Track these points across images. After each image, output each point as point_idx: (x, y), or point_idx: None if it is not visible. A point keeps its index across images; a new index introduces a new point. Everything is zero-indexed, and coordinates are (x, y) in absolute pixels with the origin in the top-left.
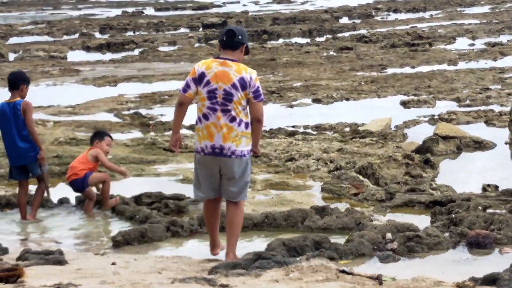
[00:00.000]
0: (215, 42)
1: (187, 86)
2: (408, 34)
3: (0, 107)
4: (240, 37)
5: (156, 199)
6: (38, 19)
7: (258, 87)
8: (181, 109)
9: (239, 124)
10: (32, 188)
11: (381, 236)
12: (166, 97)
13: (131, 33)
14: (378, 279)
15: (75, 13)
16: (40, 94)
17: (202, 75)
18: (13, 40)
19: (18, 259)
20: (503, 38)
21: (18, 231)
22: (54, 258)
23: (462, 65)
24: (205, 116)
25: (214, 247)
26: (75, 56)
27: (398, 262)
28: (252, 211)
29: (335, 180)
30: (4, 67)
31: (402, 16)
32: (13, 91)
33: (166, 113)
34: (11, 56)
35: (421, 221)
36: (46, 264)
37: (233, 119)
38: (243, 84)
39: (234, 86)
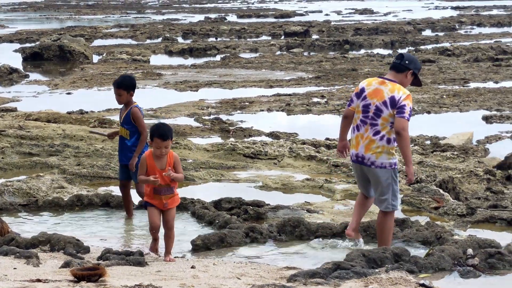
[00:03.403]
0: (296, 50)
1: (351, 100)
2: (492, 49)
3: None
4: (407, 61)
5: (236, 205)
6: (122, 22)
7: (405, 105)
8: (345, 121)
9: (381, 139)
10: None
11: (462, 251)
12: (247, 103)
13: (213, 39)
14: None
15: (159, 17)
16: None
17: (362, 90)
18: (97, 42)
19: (99, 258)
20: None
21: (99, 231)
22: (135, 259)
23: None
24: (357, 127)
25: (350, 227)
26: (158, 60)
27: (479, 279)
28: (331, 220)
29: (415, 193)
30: (88, 68)
31: (486, 30)
32: None
33: (246, 120)
34: (95, 58)
35: (503, 238)
36: (126, 264)
37: (376, 133)
38: (393, 102)
39: (384, 103)
